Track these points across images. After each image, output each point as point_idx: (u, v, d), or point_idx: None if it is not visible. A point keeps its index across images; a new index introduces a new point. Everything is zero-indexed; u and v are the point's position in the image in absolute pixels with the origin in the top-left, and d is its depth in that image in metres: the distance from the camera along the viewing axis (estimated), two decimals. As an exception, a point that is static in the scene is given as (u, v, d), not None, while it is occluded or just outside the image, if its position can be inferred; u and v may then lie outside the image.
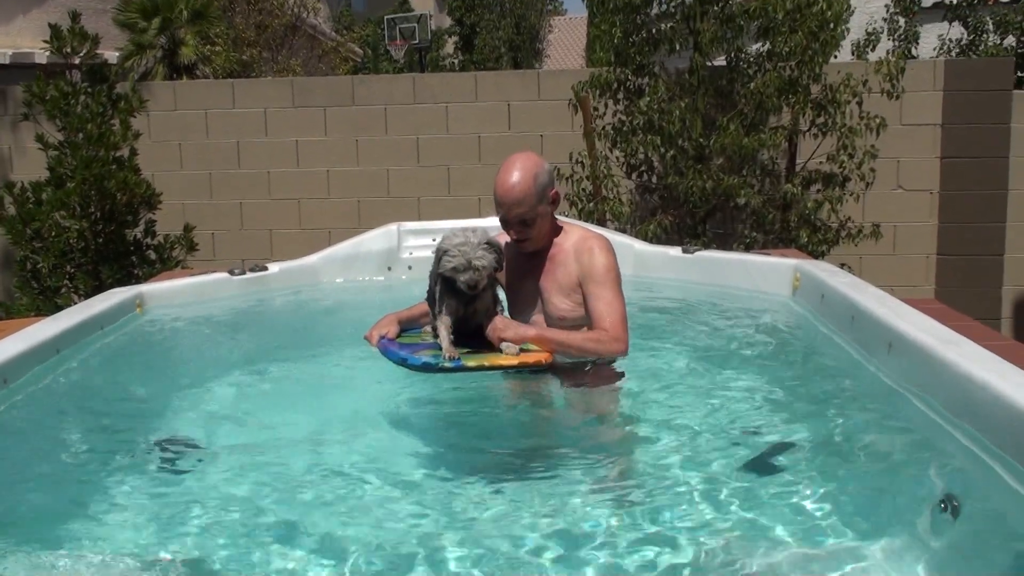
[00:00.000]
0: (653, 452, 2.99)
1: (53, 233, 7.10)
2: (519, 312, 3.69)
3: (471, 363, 3.21)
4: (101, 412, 3.58)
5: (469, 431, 3.35)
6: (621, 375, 3.50)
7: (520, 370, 3.37)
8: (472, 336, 3.35)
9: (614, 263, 3.57)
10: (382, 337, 3.55)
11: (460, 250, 3.21)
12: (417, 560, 2.31)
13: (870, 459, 2.86)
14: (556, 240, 3.64)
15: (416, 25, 23.46)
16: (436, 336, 3.33)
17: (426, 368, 3.20)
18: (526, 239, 3.59)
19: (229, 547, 2.42)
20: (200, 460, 3.03)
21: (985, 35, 11.24)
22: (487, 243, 3.25)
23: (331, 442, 3.16)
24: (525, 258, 3.67)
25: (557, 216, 3.72)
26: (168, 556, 2.35)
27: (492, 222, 5.97)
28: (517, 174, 3.48)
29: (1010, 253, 8.53)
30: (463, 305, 3.31)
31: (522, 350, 3.30)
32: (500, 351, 3.29)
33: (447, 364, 3.17)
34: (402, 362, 3.28)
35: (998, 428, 2.52)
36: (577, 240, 3.61)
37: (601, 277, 3.51)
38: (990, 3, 11.48)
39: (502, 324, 3.37)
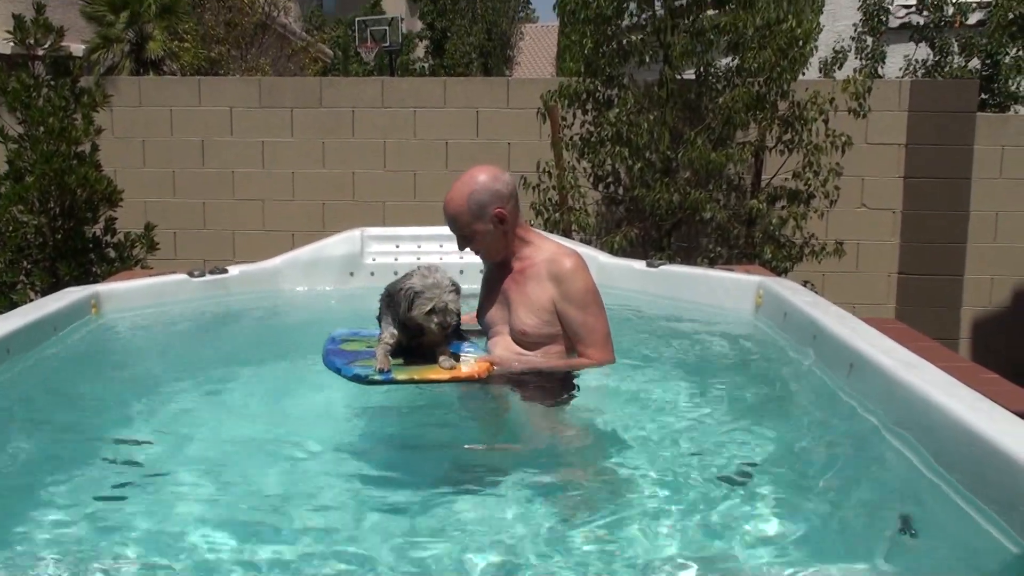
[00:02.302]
0: (607, 469, 2.97)
1: (10, 228, 6.96)
2: (487, 320, 3.69)
3: (401, 376, 3.21)
4: (50, 417, 3.49)
5: (422, 442, 3.31)
6: (575, 388, 3.49)
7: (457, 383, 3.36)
8: (416, 352, 3.35)
9: (591, 282, 3.55)
10: (331, 339, 3.55)
11: (434, 292, 3.21)
12: (370, 568, 2.29)
13: (828, 480, 2.85)
14: (525, 253, 3.60)
15: (387, 28, 23.40)
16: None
17: (356, 379, 3.21)
18: (475, 252, 3.63)
19: (178, 557, 2.37)
20: (151, 470, 2.97)
21: (951, 57, 11.38)
22: (453, 285, 3.27)
23: (286, 452, 3.10)
24: (496, 266, 3.67)
25: (532, 228, 3.71)
26: (114, 568, 2.31)
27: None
28: (455, 191, 3.53)
29: (969, 274, 8.64)
30: (409, 339, 3.32)
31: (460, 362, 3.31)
32: (437, 364, 3.28)
33: (376, 377, 3.18)
34: (336, 371, 3.29)
35: (954, 453, 2.53)
36: (550, 256, 3.56)
37: (580, 301, 3.49)
38: (956, 26, 11.61)
39: (498, 357, 3.46)
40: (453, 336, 3.54)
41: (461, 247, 3.63)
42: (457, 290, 3.27)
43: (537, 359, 3.49)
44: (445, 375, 3.23)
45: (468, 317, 3.84)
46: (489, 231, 3.53)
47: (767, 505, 2.64)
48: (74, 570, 2.28)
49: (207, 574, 2.29)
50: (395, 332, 3.32)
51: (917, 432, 2.75)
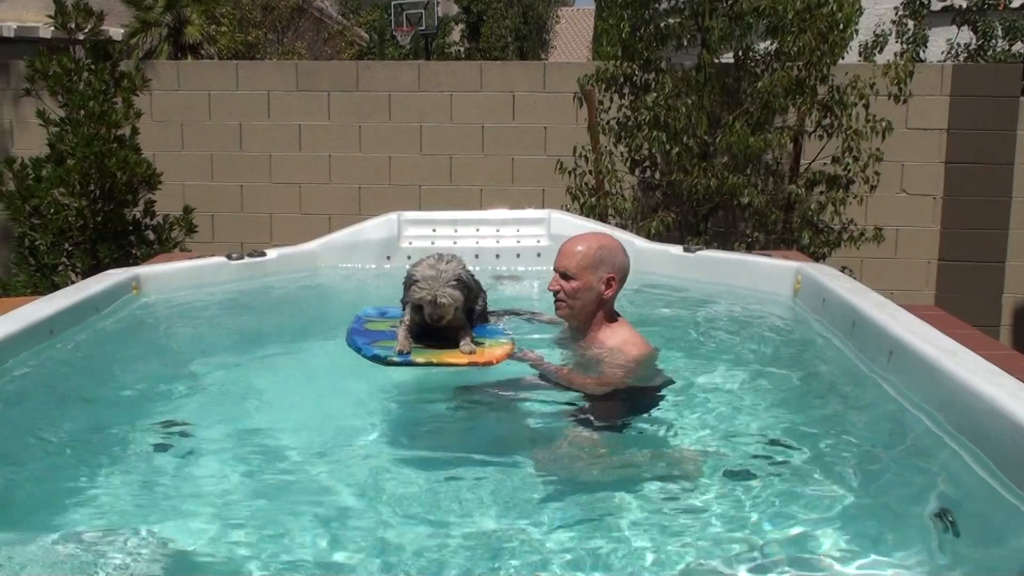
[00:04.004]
0: (644, 454, 2.98)
1: (52, 210, 7.05)
2: None
3: (419, 359, 3.21)
4: (94, 395, 3.56)
5: (457, 428, 3.34)
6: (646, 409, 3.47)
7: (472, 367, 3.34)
8: (439, 337, 3.33)
9: (643, 359, 3.51)
10: (357, 318, 3.57)
11: (428, 283, 3.20)
12: (403, 553, 2.33)
13: (866, 469, 2.84)
14: (601, 336, 3.61)
15: (423, 11, 23.36)
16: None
17: (376, 360, 3.21)
18: (559, 299, 3.62)
19: (216, 531, 2.44)
20: (192, 445, 3.02)
21: (994, 40, 11.19)
22: (456, 279, 3.23)
23: (323, 429, 3.17)
24: (571, 333, 3.71)
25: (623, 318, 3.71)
26: (159, 539, 2.36)
27: (494, 215, 6.00)
28: (589, 234, 3.69)
29: (1012, 260, 8.51)
30: (426, 322, 3.29)
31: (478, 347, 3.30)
32: (458, 348, 3.27)
33: (395, 359, 3.18)
34: (357, 351, 3.30)
35: (996, 441, 2.51)
36: (620, 340, 3.56)
37: (619, 359, 3.48)
38: (1000, 8, 11.42)
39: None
40: (480, 319, 3.55)
41: (556, 285, 3.62)
42: (461, 286, 3.24)
43: (555, 366, 3.49)
44: (463, 359, 3.23)
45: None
46: (591, 288, 3.55)
47: (805, 494, 2.64)
48: (113, 541, 2.33)
49: (239, 545, 2.35)
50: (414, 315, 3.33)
51: (959, 421, 2.73)
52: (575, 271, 3.55)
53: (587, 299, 3.57)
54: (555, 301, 3.66)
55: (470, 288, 3.30)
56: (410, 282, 3.26)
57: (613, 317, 3.66)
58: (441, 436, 3.25)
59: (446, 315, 3.22)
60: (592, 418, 3.20)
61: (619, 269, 3.59)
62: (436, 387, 3.48)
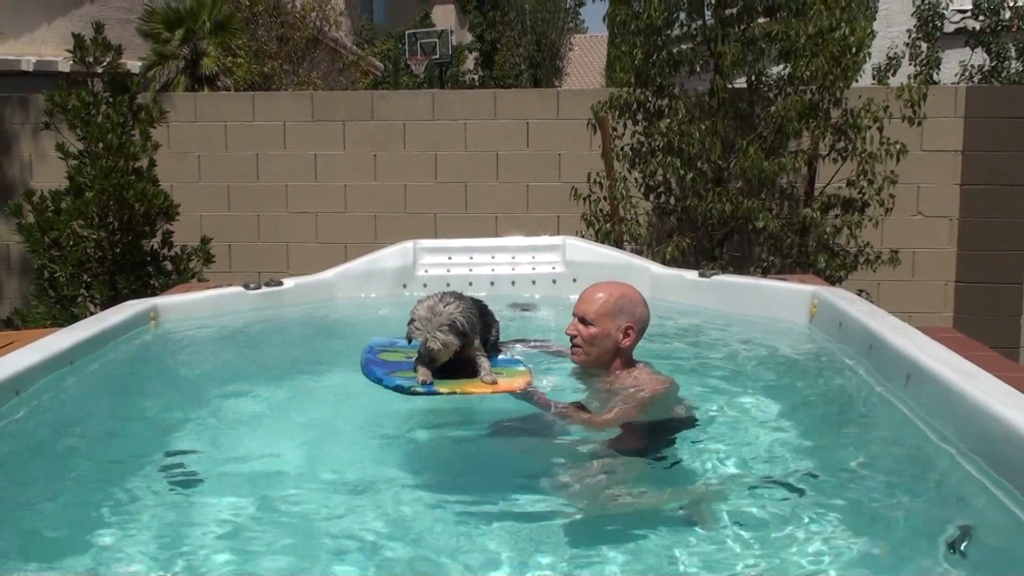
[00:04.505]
0: (666, 485, 2.97)
1: (71, 242, 7.12)
2: None
3: (443, 388, 3.25)
4: (112, 425, 3.59)
5: (476, 458, 3.33)
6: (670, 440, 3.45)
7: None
8: (457, 367, 3.37)
9: (659, 395, 3.49)
10: (369, 348, 3.58)
11: (423, 325, 3.27)
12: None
13: (885, 492, 2.83)
14: (621, 373, 3.61)
15: (437, 40, 23.51)
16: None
17: (399, 390, 3.25)
18: (575, 344, 3.62)
19: (229, 564, 2.43)
20: (211, 477, 3.03)
21: (1007, 62, 11.17)
22: (449, 323, 3.26)
23: (342, 461, 3.16)
24: (586, 373, 3.69)
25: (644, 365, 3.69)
26: (168, 573, 2.36)
27: (509, 242, 6.01)
28: (612, 283, 3.67)
29: (1029, 282, 8.47)
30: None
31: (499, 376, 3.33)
32: (479, 378, 3.31)
33: (419, 389, 3.22)
34: (377, 382, 3.33)
35: (1014, 463, 2.50)
36: (635, 380, 3.56)
37: (631, 396, 3.44)
38: (1013, 30, 11.39)
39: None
40: (492, 350, 3.58)
41: (574, 330, 3.62)
42: (454, 330, 3.27)
43: (563, 405, 3.45)
44: (487, 389, 3.27)
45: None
46: (608, 336, 3.56)
47: (823, 517, 2.63)
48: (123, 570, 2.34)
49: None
50: None
51: (977, 444, 2.72)
52: (594, 317, 3.56)
53: (604, 347, 3.57)
54: (571, 346, 3.66)
55: (466, 334, 3.32)
56: (409, 320, 3.30)
57: (631, 365, 3.66)
58: (461, 467, 3.25)
59: (438, 358, 3.28)
60: (615, 450, 3.18)
61: (638, 320, 3.60)
62: (454, 417, 3.48)
